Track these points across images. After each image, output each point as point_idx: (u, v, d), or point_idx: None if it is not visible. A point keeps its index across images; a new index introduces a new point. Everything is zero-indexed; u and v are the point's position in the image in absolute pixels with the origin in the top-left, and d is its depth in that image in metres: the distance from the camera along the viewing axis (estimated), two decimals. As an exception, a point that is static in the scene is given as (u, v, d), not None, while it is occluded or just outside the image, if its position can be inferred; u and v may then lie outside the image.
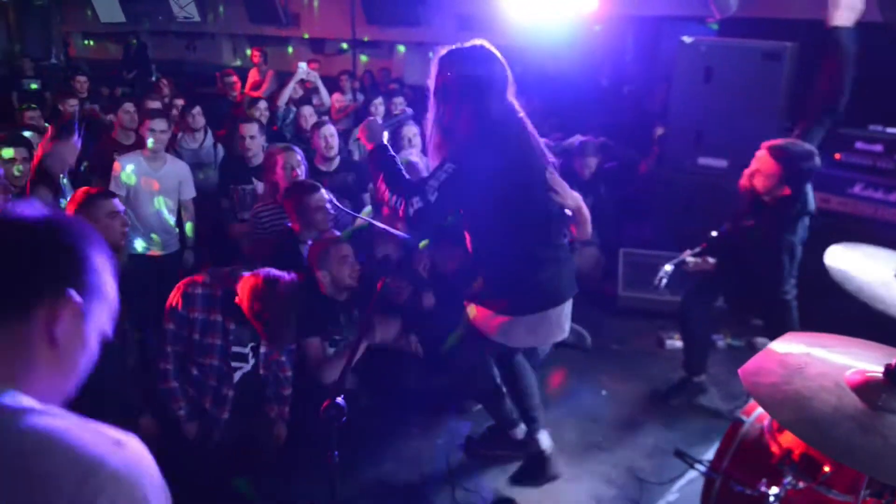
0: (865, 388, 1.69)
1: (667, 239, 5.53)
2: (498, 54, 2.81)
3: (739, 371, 1.90)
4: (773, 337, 3.25)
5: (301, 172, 4.28)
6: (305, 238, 3.76)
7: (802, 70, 5.21)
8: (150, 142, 4.46)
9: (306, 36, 11.08)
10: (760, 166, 3.60)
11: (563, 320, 3.05)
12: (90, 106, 7.47)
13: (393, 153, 2.88)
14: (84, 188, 3.48)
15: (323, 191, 3.74)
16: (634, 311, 5.13)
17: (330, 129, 4.92)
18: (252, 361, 3.10)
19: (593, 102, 7.36)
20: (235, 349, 3.02)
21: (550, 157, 3.01)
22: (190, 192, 4.74)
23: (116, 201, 3.35)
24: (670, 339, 4.72)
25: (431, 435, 3.69)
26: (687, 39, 5.53)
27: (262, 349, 3.09)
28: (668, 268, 3.83)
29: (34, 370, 0.96)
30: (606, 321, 5.06)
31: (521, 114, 2.89)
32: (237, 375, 3.06)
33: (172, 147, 5.37)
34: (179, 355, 2.98)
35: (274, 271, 2.86)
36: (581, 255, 5.37)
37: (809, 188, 3.64)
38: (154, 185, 4.50)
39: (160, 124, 4.49)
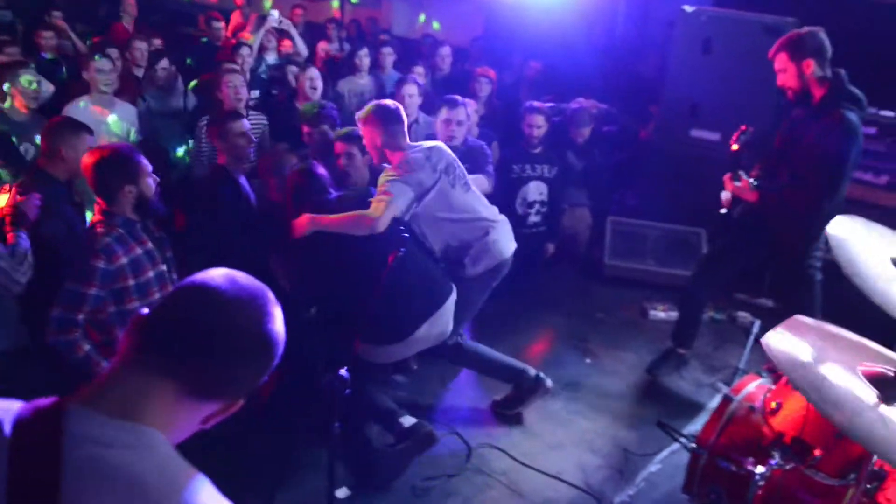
0: (881, 382, 1.71)
1: (654, 208, 5.57)
2: None
3: (762, 341, 1.91)
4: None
5: (243, 92, 4.51)
6: (234, 169, 3.73)
7: (801, 46, 5.18)
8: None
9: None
10: (777, 69, 3.47)
11: None
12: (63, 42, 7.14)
13: None
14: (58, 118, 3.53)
15: (244, 120, 3.79)
16: (619, 280, 5.17)
17: (313, 72, 4.98)
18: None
19: (587, 65, 7.27)
20: (162, 269, 2.82)
21: None
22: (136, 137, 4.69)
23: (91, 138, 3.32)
24: (654, 309, 4.77)
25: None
26: (688, 9, 5.46)
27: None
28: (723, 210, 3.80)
29: (177, 429, 1.08)
30: (592, 288, 5.10)
31: None
32: None
33: (139, 95, 5.27)
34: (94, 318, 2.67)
35: None
36: (573, 215, 5.37)
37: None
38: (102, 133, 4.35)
39: (105, 64, 4.49)
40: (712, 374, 4.07)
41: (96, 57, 4.60)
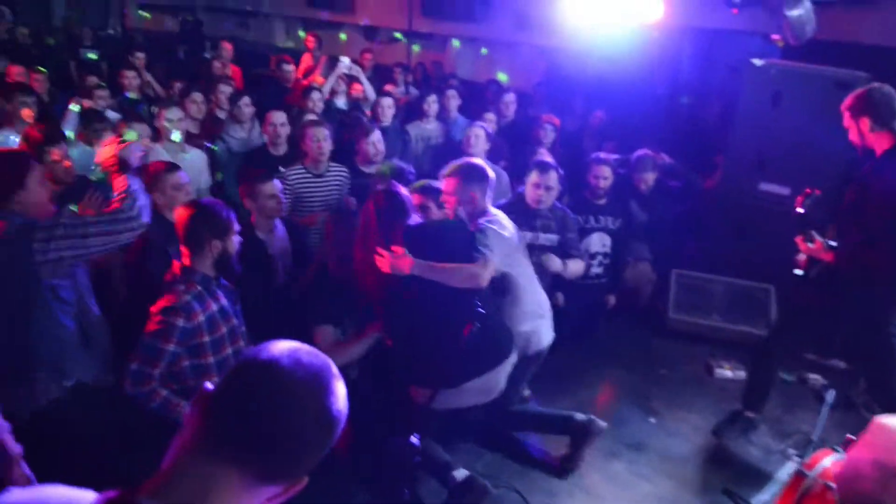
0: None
1: (720, 262, 5.47)
2: None
3: (835, 478, 1.84)
4: (871, 387, 3.06)
5: (327, 146, 4.53)
6: (261, 227, 3.81)
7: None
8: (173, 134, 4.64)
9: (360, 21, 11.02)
10: (846, 126, 3.54)
11: None
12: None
13: None
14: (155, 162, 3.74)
15: (276, 181, 3.85)
16: (683, 335, 5.07)
17: (377, 135, 4.95)
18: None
19: (649, 112, 7.26)
20: (234, 324, 2.91)
21: None
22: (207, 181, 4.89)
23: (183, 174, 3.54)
24: (720, 367, 4.66)
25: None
26: (757, 62, 5.42)
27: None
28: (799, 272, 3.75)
29: None
30: (654, 343, 5.02)
31: None
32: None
33: (217, 134, 5.45)
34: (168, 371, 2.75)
35: None
36: (635, 269, 5.32)
37: None
38: None
39: (175, 113, 4.67)
40: (782, 439, 3.94)
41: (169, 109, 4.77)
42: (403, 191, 3.42)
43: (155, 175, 3.48)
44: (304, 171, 4.56)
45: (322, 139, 4.52)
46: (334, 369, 1.15)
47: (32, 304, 2.64)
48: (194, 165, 4.73)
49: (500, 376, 3.31)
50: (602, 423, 3.55)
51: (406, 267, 3.08)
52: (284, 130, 5.06)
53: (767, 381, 3.94)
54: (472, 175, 3.44)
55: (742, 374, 4.53)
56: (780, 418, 4.13)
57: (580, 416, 3.57)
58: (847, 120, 3.51)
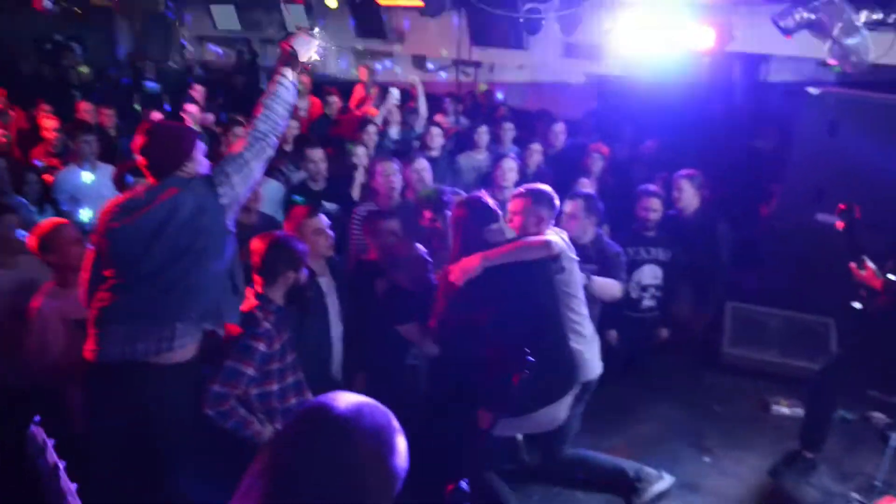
0: None
1: (777, 294, 5.33)
2: None
3: None
4: None
5: (397, 181, 4.56)
6: (384, 264, 3.77)
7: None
8: None
9: (398, 49, 11.16)
10: None
11: None
12: (205, 114, 7.75)
13: None
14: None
15: (396, 219, 3.85)
16: (738, 370, 4.96)
17: (422, 163, 4.93)
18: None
19: (701, 139, 7.15)
20: (294, 355, 3.01)
21: None
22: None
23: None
24: (777, 404, 4.54)
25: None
26: (813, 91, 5.32)
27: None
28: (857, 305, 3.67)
29: None
30: (708, 378, 4.92)
31: None
32: None
33: (279, 170, 5.49)
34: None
35: None
36: (685, 301, 5.18)
37: None
38: None
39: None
40: (843, 481, 3.80)
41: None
42: (489, 199, 3.40)
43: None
44: (375, 208, 4.42)
45: (391, 174, 4.55)
46: (395, 423, 1.17)
47: (211, 252, 2.70)
48: (271, 197, 4.78)
49: (562, 408, 3.29)
50: (659, 487, 3.52)
51: (476, 261, 3.06)
52: (324, 166, 5.10)
53: (825, 418, 3.84)
54: (543, 199, 3.47)
55: (800, 411, 4.39)
56: (840, 459, 3.99)
57: (645, 472, 3.56)
58: None
